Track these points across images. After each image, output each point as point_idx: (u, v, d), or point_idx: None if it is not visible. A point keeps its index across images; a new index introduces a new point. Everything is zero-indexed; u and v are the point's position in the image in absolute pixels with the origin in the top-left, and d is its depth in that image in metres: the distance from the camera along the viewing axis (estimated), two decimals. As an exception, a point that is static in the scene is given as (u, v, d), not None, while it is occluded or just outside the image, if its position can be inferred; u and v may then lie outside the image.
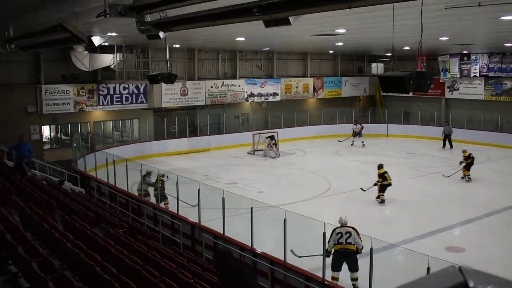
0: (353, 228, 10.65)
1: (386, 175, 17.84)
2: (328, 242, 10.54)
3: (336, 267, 10.58)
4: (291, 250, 10.98)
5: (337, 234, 10.61)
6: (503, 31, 19.04)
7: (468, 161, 21.31)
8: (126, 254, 8.63)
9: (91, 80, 26.47)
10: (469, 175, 21.02)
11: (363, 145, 30.47)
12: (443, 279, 1.03)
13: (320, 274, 10.01)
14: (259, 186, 20.56)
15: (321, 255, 10.37)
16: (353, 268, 10.51)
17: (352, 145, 30.52)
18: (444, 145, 30.41)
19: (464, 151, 21.67)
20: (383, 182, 17.73)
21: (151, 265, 8.46)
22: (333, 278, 10.45)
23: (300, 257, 10.87)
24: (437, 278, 1.04)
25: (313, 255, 10.30)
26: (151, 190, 16.40)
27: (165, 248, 10.97)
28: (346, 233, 10.55)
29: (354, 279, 10.47)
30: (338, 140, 23.68)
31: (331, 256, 10.58)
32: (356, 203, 17.92)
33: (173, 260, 9.48)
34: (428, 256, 7.92)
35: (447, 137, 30.38)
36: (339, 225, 10.88)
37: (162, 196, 15.88)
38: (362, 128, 31.68)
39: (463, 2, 11.32)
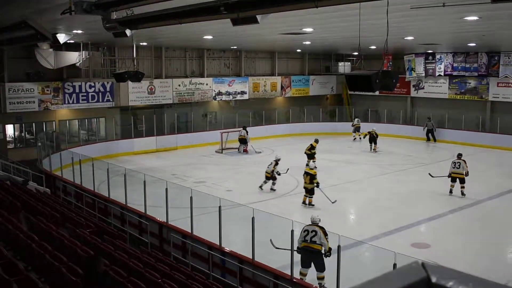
0: (320, 228, 10.69)
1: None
2: (298, 238, 10.61)
3: (304, 264, 10.66)
4: (270, 240, 11.03)
5: (304, 231, 10.69)
6: (466, 31, 19.41)
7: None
8: (93, 254, 8.53)
9: (56, 78, 26.03)
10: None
11: (361, 140, 31.74)
12: (407, 275, 1.04)
13: (288, 272, 10.05)
14: (227, 184, 20.54)
15: (295, 250, 10.41)
16: (318, 267, 10.57)
17: (354, 140, 32.08)
18: (428, 139, 31.92)
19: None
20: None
21: (118, 265, 8.39)
22: (301, 273, 10.53)
23: (277, 248, 10.89)
24: (400, 274, 1.06)
25: (288, 249, 10.32)
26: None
27: (132, 248, 10.88)
28: (311, 232, 10.58)
29: (320, 278, 10.53)
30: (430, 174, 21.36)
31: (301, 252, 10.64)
32: (324, 201, 18.03)
33: (140, 260, 9.41)
34: (394, 253, 8.03)
35: (429, 132, 31.89)
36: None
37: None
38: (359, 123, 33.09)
39: (428, 3, 11.50)
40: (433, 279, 1.04)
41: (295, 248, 10.38)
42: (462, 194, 18.44)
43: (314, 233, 10.55)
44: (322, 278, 10.50)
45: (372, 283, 1.03)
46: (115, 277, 7.51)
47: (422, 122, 33.38)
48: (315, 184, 17.28)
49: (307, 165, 19.77)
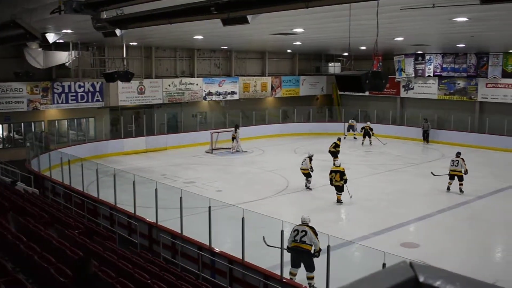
0: (310, 228, 10.70)
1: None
2: (288, 238, 10.62)
3: (294, 264, 10.68)
4: (263, 237, 11.03)
5: (294, 231, 10.70)
6: (456, 32, 19.51)
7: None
8: (81, 255, 8.48)
9: (46, 78, 25.89)
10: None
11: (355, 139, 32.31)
12: (395, 274, 1.05)
13: (278, 272, 10.06)
14: (217, 185, 20.52)
15: (285, 249, 10.41)
16: (308, 267, 10.58)
17: (344, 138, 31.83)
18: (424, 140, 32.09)
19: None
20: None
21: (107, 266, 8.35)
22: (291, 273, 10.54)
23: (268, 245, 10.88)
24: (388, 274, 1.06)
25: (279, 247, 10.33)
26: None
27: (122, 248, 10.84)
28: (301, 231, 10.60)
29: (310, 278, 10.54)
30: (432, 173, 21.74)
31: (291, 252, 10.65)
32: (314, 201, 18.09)
33: (130, 261, 9.37)
34: (383, 252, 8.06)
35: (425, 133, 31.96)
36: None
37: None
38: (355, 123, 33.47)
39: (418, 4, 11.55)
40: (421, 279, 1.04)
41: (285, 247, 10.39)
42: (461, 191, 18.90)
43: (304, 233, 10.56)
44: (312, 278, 10.51)
45: (360, 283, 1.03)
46: (104, 278, 7.47)
47: (412, 123, 33.58)
48: (344, 181, 17.66)
49: (334, 164, 19.89)
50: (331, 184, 17.92)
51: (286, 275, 10.20)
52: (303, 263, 10.63)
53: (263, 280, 10.11)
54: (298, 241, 10.54)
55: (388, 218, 16.01)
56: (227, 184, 20.91)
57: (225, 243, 13.07)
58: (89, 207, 15.42)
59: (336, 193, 17.85)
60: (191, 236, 12.14)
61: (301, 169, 19.71)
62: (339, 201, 17.82)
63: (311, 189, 19.60)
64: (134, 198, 13.93)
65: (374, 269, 1.19)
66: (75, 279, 6.80)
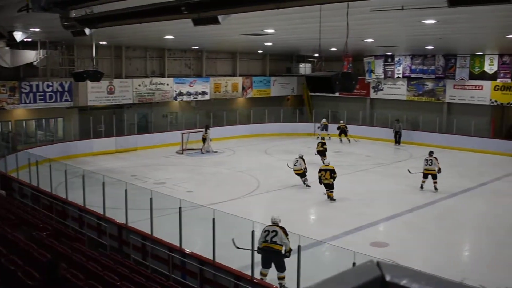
0: (281, 228, 10.74)
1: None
2: (259, 239, 10.64)
3: (264, 264, 10.70)
4: (232, 239, 11.01)
5: (265, 231, 10.72)
6: (424, 34, 19.79)
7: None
8: (50, 258, 8.37)
9: (13, 77, 25.41)
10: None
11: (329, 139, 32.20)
12: (362, 273, 1.06)
13: (249, 272, 10.06)
14: (188, 185, 20.43)
15: (256, 250, 10.42)
16: (279, 267, 10.61)
17: (317, 138, 31.68)
18: (396, 142, 31.90)
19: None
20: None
21: (76, 268, 8.25)
22: (261, 273, 10.56)
23: (238, 247, 10.88)
24: (355, 273, 1.07)
25: (249, 249, 10.35)
26: None
27: (91, 250, 10.72)
28: (272, 232, 10.62)
29: (281, 278, 10.57)
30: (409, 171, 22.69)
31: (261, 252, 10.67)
32: (284, 202, 18.15)
33: (99, 263, 9.28)
34: (353, 252, 8.12)
35: (397, 134, 31.86)
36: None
37: None
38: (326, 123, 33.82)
39: (388, 6, 11.69)
40: (387, 278, 1.05)
41: (255, 248, 10.40)
42: (435, 189, 19.49)
43: (274, 233, 10.59)
44: (283, 278, 10.55)
45: (328, 282, 1.04)
46: (73, 280, 7.38)
47: (382, 123, 33.97)
48: (333, 178, 18.13)
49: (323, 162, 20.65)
50: (320, 182, 18.28)
51: (257, 275, 10.21)
52: (273, 263, 10.65)
53: (234, 280, 10.10)
54: (269, 241, 10.57)
55: (358, 218, 16.16)
56: (198, 184, 20.84)
57: (196, 244, 13.03)
58: (58, 209, 15.19)
59: (327, 191, 18.28)
60: (161, 237, 12.06)
61: (294, 170, 19.99)
62: (332, 199, 18.23)
63: (310, 186, 19.95)
64: (104, 200, 13.77)
65: (344, 268, 1.20)
66: (43, 282, 6.70)
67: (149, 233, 12.19)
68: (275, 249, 10.56)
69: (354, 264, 8.00)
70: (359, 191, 19.72)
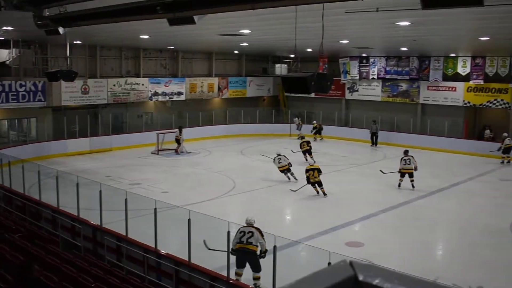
0: (257, 228, 10.75)
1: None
2: (233, 240, 10.63)
3: (239, 264, 10.71)
4: (204, 241, 11.00)
5: (240, 232, 10.73)
6: (399, 36, 20.01)
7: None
8: (23, 259, 8.25)
9: (-16, 76, 25.04)
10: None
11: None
12: (335, 273, 1.07)
13: (225, 273, 10.05)
14: (163, 186, 20.33)
15: (230, 252, 10.42)
16: (254, 268, 10.62)
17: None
18: (372, 143, 31.82)
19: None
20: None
21: (50, 270, 8.15)
22: (236, 273, 10.56)
23: (210, 249, 10.87)
24: (329, 273, 1.08)
25: (222, 250, 10.36)
26: None
27: (65, 252, 10.60)
28: (248, 233, 10.64)
29: (256, 279, 10.57)
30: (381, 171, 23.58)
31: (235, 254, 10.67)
32: (260, 202, 18.17)
33: (73, 264, 9.18)
34: (329, 252, 8.16)
35: (373, 135, 31.82)
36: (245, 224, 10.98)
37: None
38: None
39: (362, 7, 11.78)
40: (360, 277, 1.06)
41: (229, 249, 10.40)
42: (413, 187, 19.88)
43: (250, 234, 10.60)
44: (258, 279, 10.55)
45: (301, 282, 1.04)
46: (46, 282, 7.29)
47: (357, 124, 34.23)
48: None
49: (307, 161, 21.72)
50: (309, 182, 18.69)
51: (233, 276, 10.20)
52: (249, 263, 10.66)
53: (210, 281, 10.07)
54: (245, 242, 10.58)
55: (333, 218, 16.25)
56: (173, 185, 20.75)
57: (172, 245, 12.96)
58: (31, 210, 14.99)
59: (320, 188, 18.83)
60: (136, 238, 11.98)
61: (279, 167, 20.76)
62: (324, 194, 18.79)
63: (297, 179, 20.46)
64: (78, 201, 13.62)
65: (319, 268, 1.21)
66: (16, 285, 6.61)
67: (124, 234, 12.10)
68: (251, 250, 10.57)
69: (329, 264, 8.04)
70: (334, 191, 19.81)
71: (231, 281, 9.90)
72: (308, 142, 25.71)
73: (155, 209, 11.35)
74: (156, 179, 21.69)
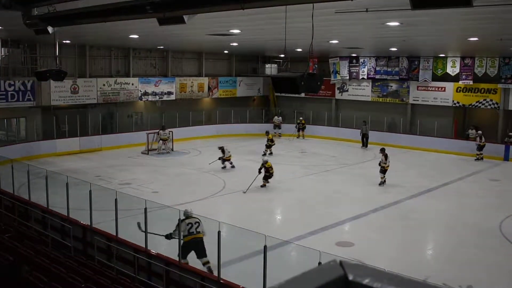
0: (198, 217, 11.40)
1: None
2: (174, 230, 11.23)
3: (186, 255, 11.08)
4: (138, 223, 11.48)
5: (188, 224, 11.15)
6: (388, 36, 20.07)
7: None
8: (12, 260, 8.21)
9: (-27, 76, 24.85)
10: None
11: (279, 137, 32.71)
12: (325, 273, 1.07)
13: (215, 273, 10.04)
14: (153, 186, 20.28)
15: (161, 235, 11.08)
16: (202, 253, 11.10)
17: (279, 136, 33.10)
18: (363, 144, 31.62)
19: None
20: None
21: (39, 271, 8.11)
22: (184, 264, 10.87)
23: (143, 231, 11.31)
24: (318, 273, 1.08)
25: (158, 234, 11.10)
26: None
27: (54, 252, 10.55)
28: (195, 223, 11.19)
29: (207, 263, 11.01)
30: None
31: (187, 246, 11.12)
32: (251, 202, 18.18)
33: (63, 265, 9.14)
34: (319, 252, 8.18)
35: (364, 136, 31.61)
36: (184, 217, 11.34)
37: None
38: (281, 122, 34.53)
39: (352, 8, 11.81)
40: (350, 277, 1.07)
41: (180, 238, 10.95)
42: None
43: (197, 224, 11.18)
44: (208, 262, 10.98)
45: (291, 282, 1.05)
46: (35, 283, 7.26)
47: (347, 124, 34.33)
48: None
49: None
50: (270, 177, 20.12)
51: (223, 276, 10.19)
52: (197, 251, 11.13)
53: (200, 281, 10.07)
54: (195, 232, 11.13)
55: (324, 218, 16.28)
56: (163, 185, 20.70)
57: (162, 245, 12.92)
58: (20, 210, 14.91)
59: (267, 181, 20.16)
60: (127, 238, 11.96)
61: (226, 157, 23.55)
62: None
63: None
64: (68, 201, 13.57)
65: (310, 268, 1.21)
66: (5, 285, 6.57)
67: (114, 234, 12.07)
68: (200, 237, 11.15)
69: (320, 263, 8.04)
70: (324, 191, 19.87)
71: (221, 281, 9.90)
72: (272, 140, 27.67)
73: (145, 209, 11.34)
74: (146, 179, 21.63)
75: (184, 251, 10.98)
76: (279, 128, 34.01)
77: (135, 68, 32.32)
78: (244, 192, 19.09)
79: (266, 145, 27.51)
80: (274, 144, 27.68)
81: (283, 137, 33.60)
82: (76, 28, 15.03)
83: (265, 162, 20.06)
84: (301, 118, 33.97)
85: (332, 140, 33.19)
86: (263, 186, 19.90)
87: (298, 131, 33.87)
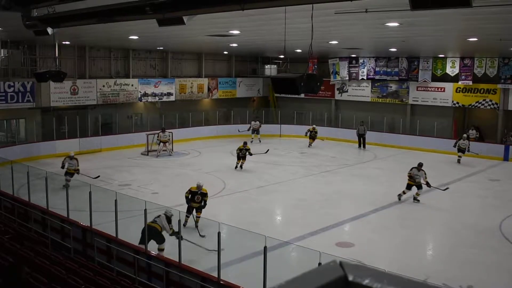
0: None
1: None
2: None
3: (144, 241, 11.70)
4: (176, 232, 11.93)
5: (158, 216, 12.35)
6: (388, 36, 20.08)
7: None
8: (11, 261, 8.21)
9: (-28, 77, 24.84)
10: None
11: (260, 142, 31.25)
12: (324, 274, 1.07)
13: (215, 274, 10.05)
14: (153, 187, 20.27)
15: (213, 250, 10.78)
16: (161, 240, 12.07)
17: (251, 142, 30.44)
18: (359, 145, 31.30)
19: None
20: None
21: (39, 272, 8.11)
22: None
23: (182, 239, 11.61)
24: (318, 273, 1.08)
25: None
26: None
27: (54, 253, 10.55)
28: (158, 216, 12.28)
29: (162, 250, 11.98)
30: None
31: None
32: (251, 203, 18.17)
33: (63, 266, 9.14)
34: (319, 252, 8.18)
35: (361, 137, 31.29)
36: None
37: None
38: (260, 126, 33.00)
39: (352, 8, 11.81)
40: (350, 278, 1.07)
41: (213, 249, 10.98)
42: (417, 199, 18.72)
43: (158, 216, 12.26)
44: (163, 249, 11.94)
45: (290, 283, 1.05)
46: (35, 284, 7.25)
47: (347, 125, 34.32)
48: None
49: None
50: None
51: (224, 276, 10.19)
52: (156, 239, 11.98)
53: (200, 282, 10.07)
54: (152, 220, 12.04)
55: (324, 218, 16.27)
56: (163, 186, 20.69)
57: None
58: (20, 211, 14.90)
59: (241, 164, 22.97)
60: (126, 239, 11.96)
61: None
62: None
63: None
64: (67, 202, 13.58)
65: (310, 269, 1.21)
66: (5, 286, 6.57)
67: (114, 235, 12.07)
68: (155, 227, 12.00)
69: (320, 264, 8.04)
70: (324, 192, 19.87)
71: (222, 282, 9.90)
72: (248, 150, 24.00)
73: (145, 210, 11.34)
74: (146, 180, 21.62)
75: (146, 237, 11.68)
76: (258, 133, 32.74)
77: (134, 69, 32.31)
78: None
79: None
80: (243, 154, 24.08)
81: (317, 140, 32.05)
82: (76, 29, 15.02)
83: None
84: (314, 126, 31.86)
85: (332, 140, 33.14)
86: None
87: (311, 139, 31.29)
